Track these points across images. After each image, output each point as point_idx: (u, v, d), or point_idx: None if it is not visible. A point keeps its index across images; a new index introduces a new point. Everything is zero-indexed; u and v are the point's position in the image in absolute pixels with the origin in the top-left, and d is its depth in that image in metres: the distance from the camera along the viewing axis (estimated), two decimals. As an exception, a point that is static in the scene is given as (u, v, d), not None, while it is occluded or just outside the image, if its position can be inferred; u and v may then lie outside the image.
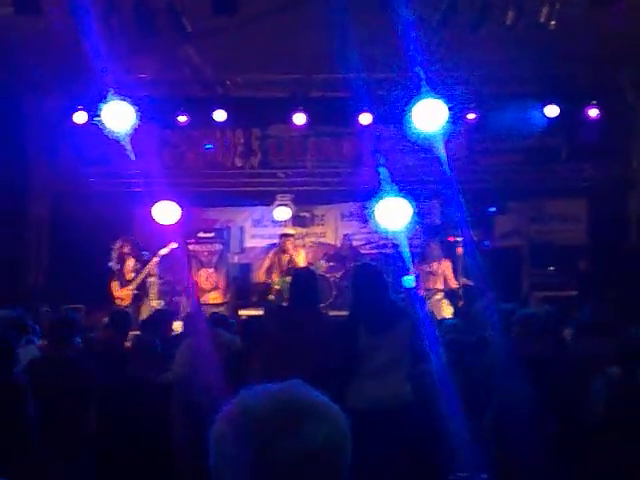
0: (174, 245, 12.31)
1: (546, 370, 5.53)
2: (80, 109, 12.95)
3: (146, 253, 11.99)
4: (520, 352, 5.93)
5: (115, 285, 11.76)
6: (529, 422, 5.29)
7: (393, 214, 10.56)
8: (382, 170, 11.00)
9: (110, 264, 12.34)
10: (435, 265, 11.87)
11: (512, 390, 5.57)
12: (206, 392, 5.27)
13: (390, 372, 5.57)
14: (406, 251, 11.41)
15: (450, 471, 4.89)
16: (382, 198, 10.83)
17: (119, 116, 10.69)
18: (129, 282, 11.64)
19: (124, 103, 10.57)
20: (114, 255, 11.99)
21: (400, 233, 11.39)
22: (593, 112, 12.87)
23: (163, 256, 11.85)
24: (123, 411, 5.14)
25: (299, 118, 13.27)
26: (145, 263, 11.83)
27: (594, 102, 12.82)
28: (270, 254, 12.50)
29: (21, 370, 5.57)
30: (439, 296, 11.72)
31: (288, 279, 11.25)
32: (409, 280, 10.92)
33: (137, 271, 11.75)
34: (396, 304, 6.03)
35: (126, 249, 11.88)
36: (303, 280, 6.19)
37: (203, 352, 6.07)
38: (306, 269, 8.41)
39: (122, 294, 11.53)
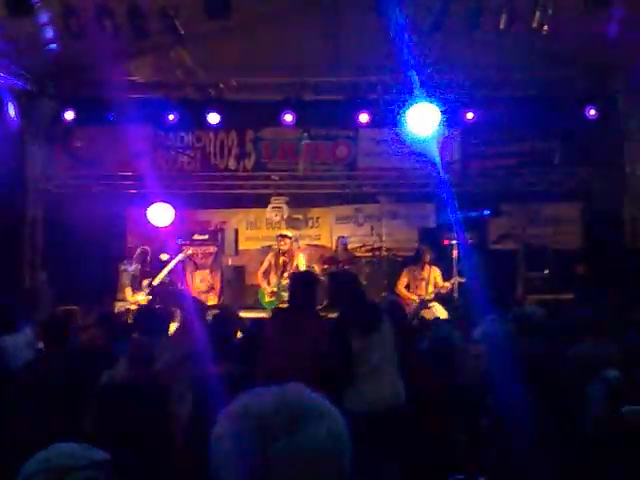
0: (189, 252, 12.34)
1: (543, 371, 5.53)
2: (75, 111, 12.95)
3: (167, 256, 11.99)
4: (516, 352, 5.95)
5: (128, 291, 11.75)
6: (527, 424, 5.29)
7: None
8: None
9: (126, 268, 12.36)
10: (426, 272, 11.88)
11: (509, 392, 5.58)
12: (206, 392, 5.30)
13: (383, 373, 5.60)
14: (401, 255, 11.42)
15: (448, 471, 4.89)
16: (376, 201, 10.90)
17: (116, 119, 10.67)
18: (142, 288, 11.63)
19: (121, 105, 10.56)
20: (133, 262, 11.98)
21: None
22: (587, 116, 12.89)
23: (177, 263, 11.89)
24: (122, 410, 5.12)
25: (288, 117, 13.23)
26: (159, 270, 11.83)
27: (588, 106, 12.85)
28: (268, 256, 12.45)
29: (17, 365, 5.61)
30: (431, 299, 11.76)
31: (285, 281, 11.28)
32: None
33: (150, 278, 11.74)
34: (376, 305, 6.12)
35: (144, 257, 11.88)
36: (301, 283, 6.20)
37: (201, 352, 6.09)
38: (305, 272, 8.42)
39: (137, 299, 11.50)
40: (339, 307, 6.05)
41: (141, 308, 9.96)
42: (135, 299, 11.51)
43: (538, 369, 5.53)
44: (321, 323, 6.19)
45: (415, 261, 12.07)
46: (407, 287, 11.84)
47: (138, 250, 12.12)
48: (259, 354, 6.01)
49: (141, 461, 4.89)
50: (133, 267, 11.96)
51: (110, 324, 7.80)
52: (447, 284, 11.79)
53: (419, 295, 11.68)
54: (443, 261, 12.11)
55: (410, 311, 10.55)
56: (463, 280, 11.70)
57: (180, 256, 11.95)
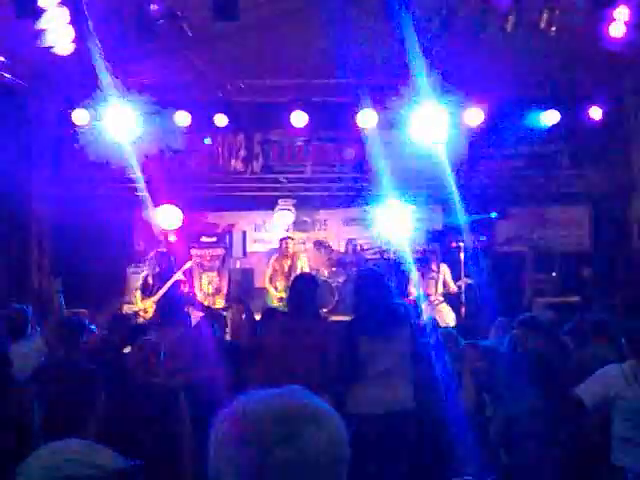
0: (187, 265, 12.33)
1: (549, 373, 5.53)
2: (82, 113, 12.96)
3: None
4: (523, 354, 5.96)
5: (138, 295, 11.64)
6: (536, 426, 5.30)
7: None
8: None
9: (135, 271, 12.37)
10: (434, 271, 11.77)
11: (518, 394, 5.59)
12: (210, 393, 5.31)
13: (392, 377, 5.58)
14: (409, 256, 11.42)
15: (452, 476, 4.89)
16: (384, 203, 10.85)
17: (122, 121, 10.71)
18: (151, 294, 11.53)
19: (127, 107, 10.57)
20: (145, 266, 11.93)
21: (403, 238, 11.38)
22: (594, 117, 12.85)
23: (186, 270, 11.89)
24: (127, 414, 5.12)
25: (296, 119, 13.14)
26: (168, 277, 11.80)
27: (595, 108, 12.81)
28: (272, 261, 12.45)
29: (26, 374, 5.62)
30: (440, 301, 11.65)
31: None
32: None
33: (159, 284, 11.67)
34: (398, 309, 6.05)
35: (157, 261, 11.79)
36: (303, 286, 6.18)
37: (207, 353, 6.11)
38: (306, 275, 8.39)
39: (146, 305, 11.42)
40: (357, 307, 6.01)
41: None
42: (144, 305, 11.43)
43: (544, 370, 5.52)
44: (324, 325, 6.18)
45: (423, 261, 11.99)
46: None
47: (151, 253, 12.08)
48: (261, 356, 6.02)
49: (145, 462, 4.90)
50: (144, 271, 11.89)
51: (122, 326, 7.81)
52: (454, 287, 11.71)
53: (428, 295, 11.59)
54: (450, 263, 12.07)
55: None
56: (471, 282, 11.65)
57: (181, 271, 11.97)
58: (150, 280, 11.67)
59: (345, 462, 1.47)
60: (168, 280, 11.67)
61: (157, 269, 11.70)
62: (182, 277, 11.93)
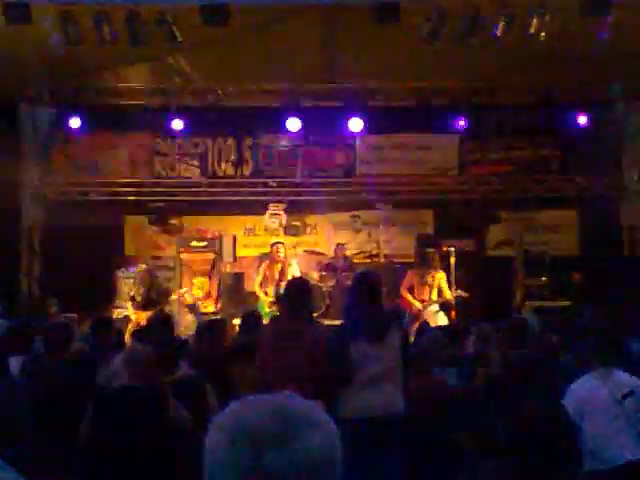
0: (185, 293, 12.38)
1: (537, 377, 5.55)
2: (73, 117, 12.94)
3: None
4: (508, 357, 6.00)
5: (130, 307, 11.47)
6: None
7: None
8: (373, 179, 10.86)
9: (125, 275, 12.35)
10: (430, 277, 11.49)
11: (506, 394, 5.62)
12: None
13: (384, 381, 5.57)
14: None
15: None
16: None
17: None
18: (144, 309, 11.32)
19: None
20: (136, 282, 11.80)
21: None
22: (584, 123, 12.90)
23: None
24: (118, 420, 5.11)
25: (286, 124, 13.11)
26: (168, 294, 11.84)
27: (586, 112, 12.86)
28: (262, 267, 12.38)
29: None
30: (434, 308, 11.43)
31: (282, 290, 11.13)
32: None
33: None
34: (389, 314, 6.06)
35: (146, 279, 11.64)
36: (296, 290, 6.17)
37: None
38: (299, 279, 8.38)
39: (140, 318, 11.16)
40: (350, 310, 5.99)
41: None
42: (138, 318, 11.20)
43: (533, 374, 5.55)
44: (316, 329, 6.18)
45: (420, 264, 11.78)
46: (411, 291, 11.51)
47: (140, 271, 11.91)
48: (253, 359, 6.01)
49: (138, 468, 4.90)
50: (135, 289, 11.68)
51: (107, 331, 7.76)
52: (450, 295, 11.43)
53: (422, 301, 11.36)
54: (442, 269, 12.00)
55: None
56: (465, 295, 11.44)
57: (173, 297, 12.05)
58: (138, 298, 11.48)
59: (338, 465, 1.47)
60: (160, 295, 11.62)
61: (142, 289, 11.51)
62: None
